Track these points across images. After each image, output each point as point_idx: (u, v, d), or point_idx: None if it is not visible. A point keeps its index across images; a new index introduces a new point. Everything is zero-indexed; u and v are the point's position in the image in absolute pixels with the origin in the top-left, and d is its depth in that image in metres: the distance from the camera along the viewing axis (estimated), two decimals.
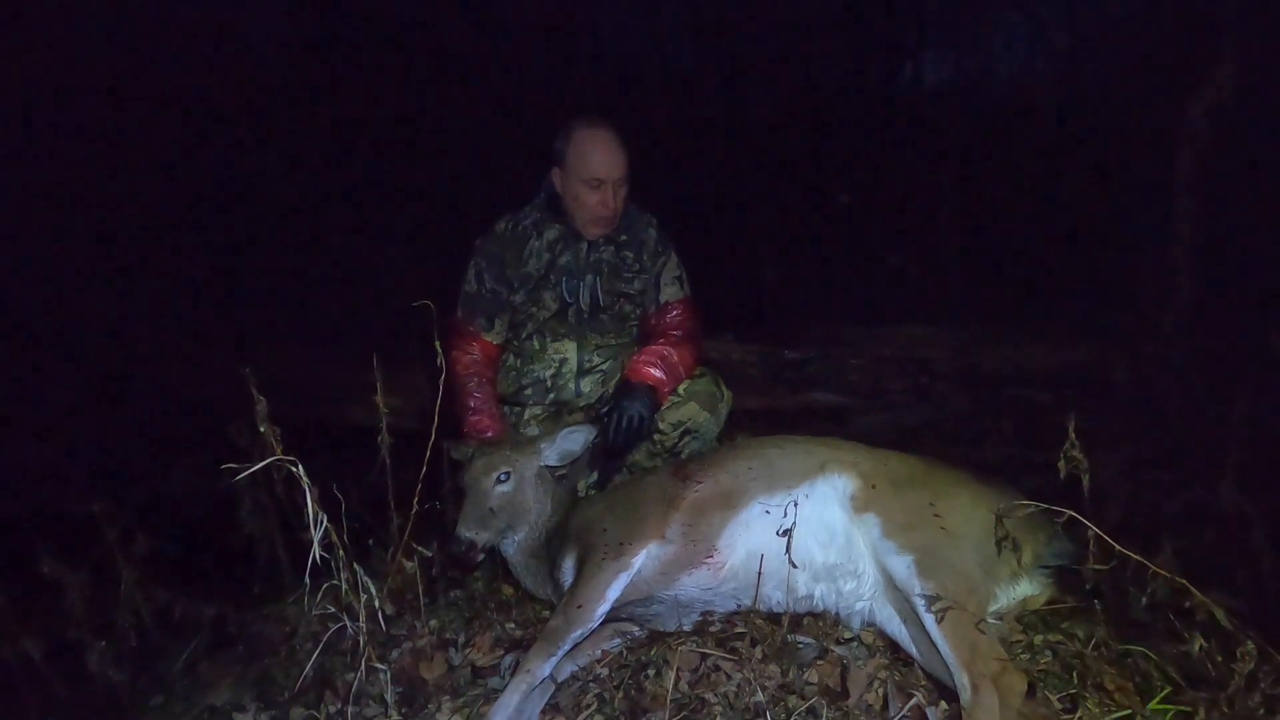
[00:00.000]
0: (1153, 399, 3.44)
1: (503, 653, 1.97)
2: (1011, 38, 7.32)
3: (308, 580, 1.67)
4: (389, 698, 1.74)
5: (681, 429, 2.44)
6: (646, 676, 1.75)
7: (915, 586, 1.61)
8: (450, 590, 2.35)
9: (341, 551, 1.66)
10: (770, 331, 4.46)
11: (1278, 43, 3.76)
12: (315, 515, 1.59)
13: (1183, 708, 1.54)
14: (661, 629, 1.92)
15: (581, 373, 2.54)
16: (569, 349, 2.53)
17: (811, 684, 1.68)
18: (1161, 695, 1.59)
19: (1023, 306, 5.04)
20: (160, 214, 6.09)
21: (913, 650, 1.72)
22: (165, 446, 3.91)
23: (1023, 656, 1.72)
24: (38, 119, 5.67)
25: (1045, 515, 1.58)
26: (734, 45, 8.05)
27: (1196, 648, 1.50)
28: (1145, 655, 1.71)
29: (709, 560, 1.87)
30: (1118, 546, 1.48)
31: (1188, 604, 1.47)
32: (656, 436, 2.43)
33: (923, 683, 1.67)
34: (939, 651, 1.55)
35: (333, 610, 1.75)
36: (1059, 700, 1.58)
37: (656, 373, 2.34)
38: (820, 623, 1.87)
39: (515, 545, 2.10)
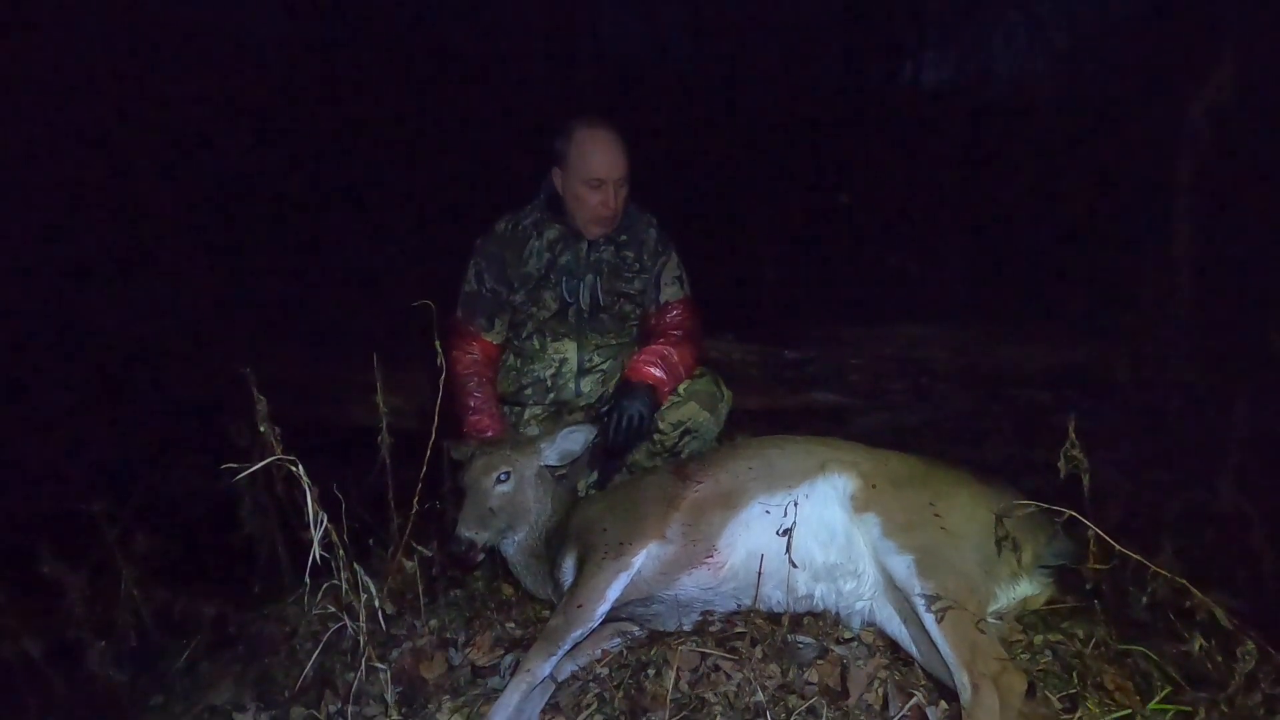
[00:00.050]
0: (1153, 399, 3.43)
1: (503, 652, 1.97)
2: (1011, 38, 7.32)
3: (308, 580, 1.67)
4: (389, 697, 1.74)
5: (681, 429, 2.44)
6: (646, 676, 1.75)
7: (915, 586, 1.61)
8: (450, 590, 2.35)
9: (341, 551, 1.66)
10: (770, 331, 4.46)
11: (1278, 43, 3.76)
12: (315, 515, 1.59)
13: (1183, 708, 1.54)
14: (661, 629, 1.92)
15: (581, 372, 2.54)
16: (569, 349, 2.53)
17: (811, 684, 1.68)
18: (1161, 695, 1.59)
19: (1023, 306, 5.04)
20: (160, 214, 6.08)
21: (913, 650, 1.73)
22: (165, 446, 3.90)
23: (1023, 656, 1.73)
24: (38, 119, 5.66)
25: (1045, 515, 1.59)
26: (734, 45, 8.05)
27: (1196, 648, 1.50)
28: (1145, 655, 1.71)
29: (709, 560, 1.87)
30: (1118, 546, 1.48)
31: (1188, 604, 1.47)
32: (656, 436, 2.43)
33: (923, 682, 1.67)
34: (939, 651, 1.55)
35: (333, 610, 1.75)
36: (1059, 700, 1.58)
37: (657, 372, 2.34)
38: (820, 622, 1.87)
39: (515, 545, 2.10)
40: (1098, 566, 1.53)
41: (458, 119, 7.06)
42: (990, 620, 1.63)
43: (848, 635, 1.83)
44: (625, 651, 1.88)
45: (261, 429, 1.72)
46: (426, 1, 7.44)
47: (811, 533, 1.80)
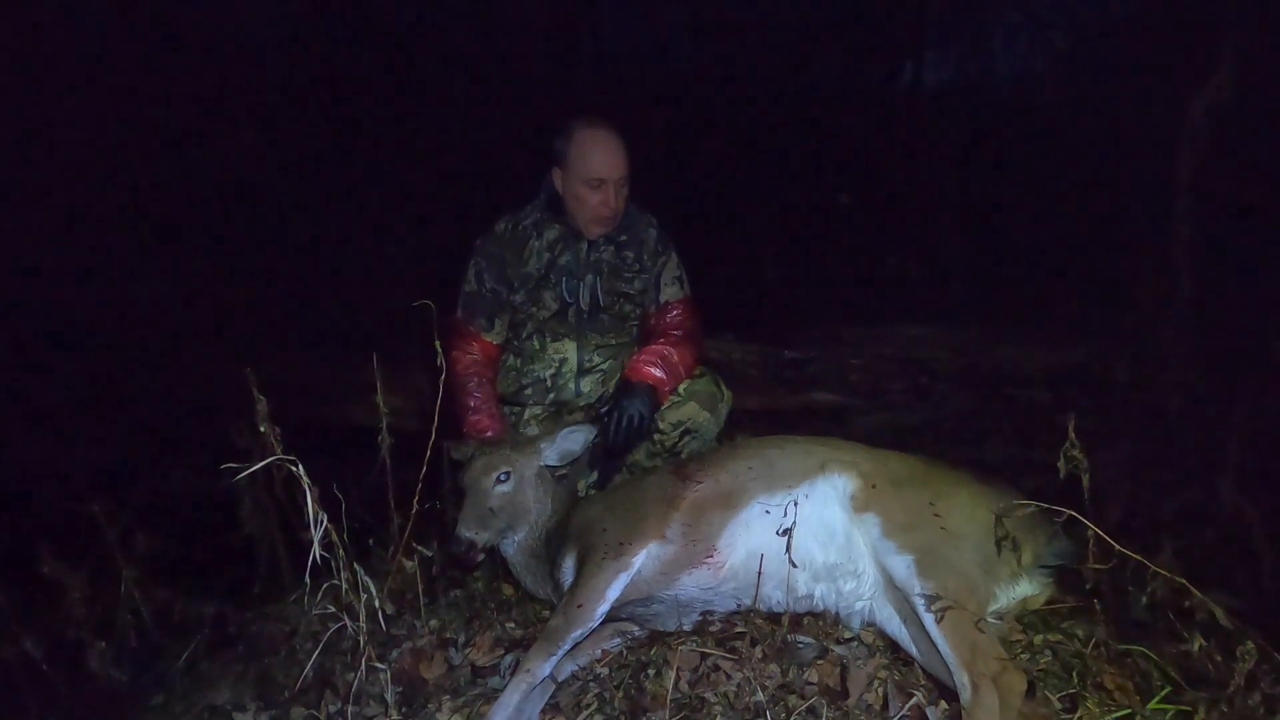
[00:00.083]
0: (1153, 399, 3.43)
1: (503, 652, 1.97)
2: (1011, 38, 7.32)
3: (308, 580, 1.67)
4: (389, 697, 1.74)
5: (681, 429, 2.44)
6: (647, 676, 1.75)
7: (915, 586, 1.61)
8: (450, 590, 2.35)
9: (341, 551, 1.66)
10: (770, 331, 4.46)
11: (1278, 43, 3.76)
12: (315, 515, 1.59)
13: (1183, 707, 1.54)
14: (661, 629, 1.92)
15: (581, 372, 2.54)
16: (569, 349, 2.53)
17: (811, 684, 1.68)
18: (1161, 695, 1.59)
19: (1023, 306, 5.04)
20: (160, 214, 6.08)
21: (913, 650, 1.73)
22: (165, 446, 3.90)
23: (1023, 656, 1.73)
24: (38, 119, 5.66)
25: (1045, 515, 1.59)
26: (734, 45, 8.05)
27: (1196, 647, 1.50)
28: (1145, 655, 1.72)
29: (709, 560, 1.87)
30: (1118, 546, 1.48)
31: (1188, 604, 1.47)
32: (656, 436, 2.43)
33: (923, 682, 1.67)
34: (939, 651, 1.55)
35: (333, 610, 1.75)
36: (1059, 700, 1.58)
37: (657, 372, 2.34)
38: (820, 622, 1.87)
39: (515, 545, 2.10)
40: (1097, 566, 1.53)
41: (458, 119, 7.06)
42: (990, 620, 1.63)
43: (848, 635, 1.83)
44: (625, 651, 1.88)
45: (262, 429, 1.73)
46: (426, 1, 7.45)
47: (811, 533, 1.80)
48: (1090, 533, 1.50)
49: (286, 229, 6.46)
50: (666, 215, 2.63)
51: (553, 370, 2.54)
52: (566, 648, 1.75)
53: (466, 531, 1.98)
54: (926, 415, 4.05)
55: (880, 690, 1.65)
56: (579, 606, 1.76)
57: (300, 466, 1.58)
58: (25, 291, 5.11)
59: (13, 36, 5.41)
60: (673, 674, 1.69)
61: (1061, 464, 1.58)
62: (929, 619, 1.56)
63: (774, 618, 1.86)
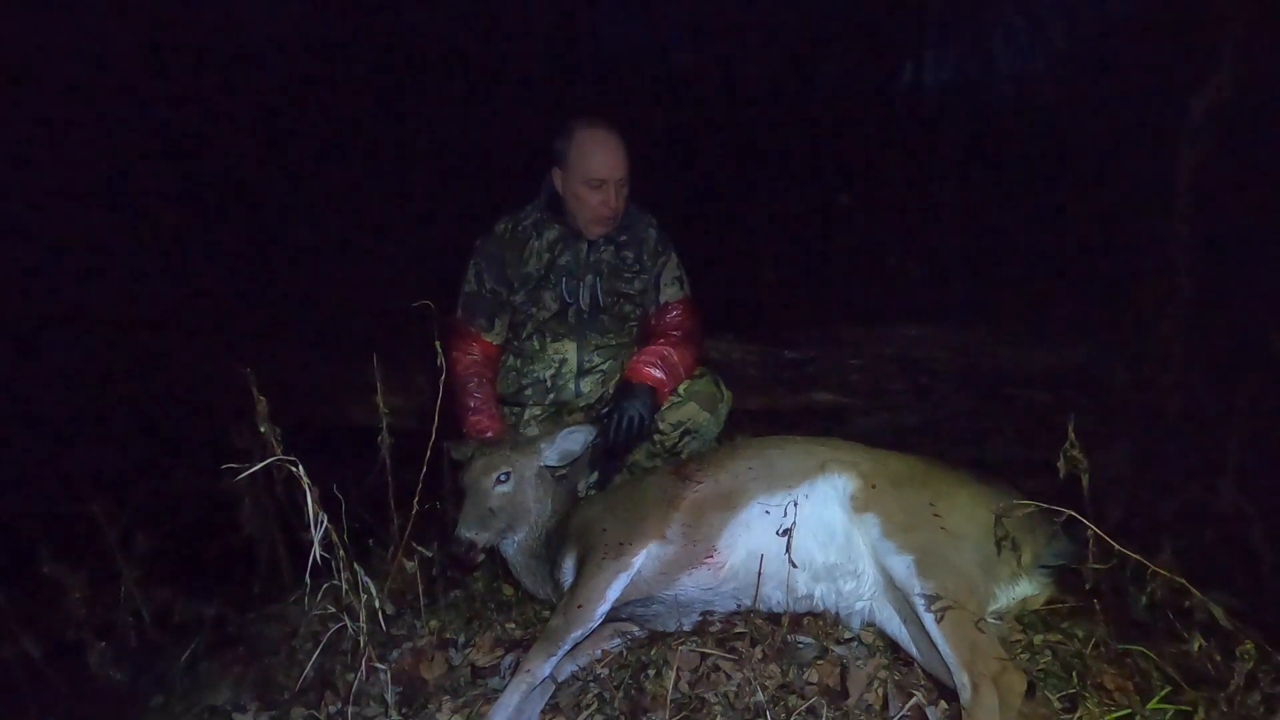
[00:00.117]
0: (1153, 399, 3.43)
1: (503, 653, 1.97)
2: (1011, 38, 7.32)
3: (308, 580, 1.67)
4: (389, 698, 1.74)
5: (681, 429, 2.44)
6: (647, 676, 1.75)
7: (915, 586, 1.61)
8: (450, 590, 2.35)
9: (342, 551, 1.66)
10: (770, 331, 4.46)
11: (1278, 43, 3.76)
12: (315, 515, 1.59)
13: (1183, 707, 1.54)
14: (661, 629, 1.92)
15: (581, 373, 2.54)
16: (569, 349, 2.53)
17: (811, 684, 1.68)
18: (1161, 695, 1.59)
19: (1023, 306, 5.04)
20: (161, 214, 6.09)
21: (913, 650, 1.73)
22: (165, 446, 3.91)
23: (1023, 656, 1.73)
24: (38, 119, 5.66)
25: (1045, 515, 1.58)
26: (734, 45, 8.05)
27: (1196, 648, 1.50)
28: (1145, 655, 1.71)
29: (709, 560, 1.87)
30: (1118, 546, 1.48)
31: (1188, 604, 1.47)
32: (656, 436, 2.43)
33: (923, 682, 1.67)
34: (939, 651, 1.55)
35: (333, 610, 1.75)
36: (1059, 700, 1.58)
37: (656, 373, 2.34)
38: (820, 622, 1.87)
39: (515, 545, 2.10)
40: (1097, 566, 1.53)
41: (458, 119, 7.06)
42: (990, 620, 1.63)
43: (847, 635, 1.83)
44: (625, 652, 1.88)
45: (262, 429, 1.73)
46: (427, 2, 7.45)
47: (811, 533, 1.80)
48: (1090, 533, 1.50)
49: (287, 229, 6.47)
50: (666, 215, 2.64)
51: (553, 370, 2.54)
52: (566, 648, 1.75)
53: (466, 532, 1.98)
54: (926, 415, 4.05)
55: (880, 690, 1.65)
56: (579, 607, 1.77)
57: (300, 467, 1.58)
58: (25, 291, 5.11)
59: (13, 36, 5.41)
60: (673, 674, 1.70)
61: (1061, 464, 1.58)
62: (929, 619, 1.56)
63: (774, 618, 1.86)
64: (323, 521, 1.60)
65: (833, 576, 1.82)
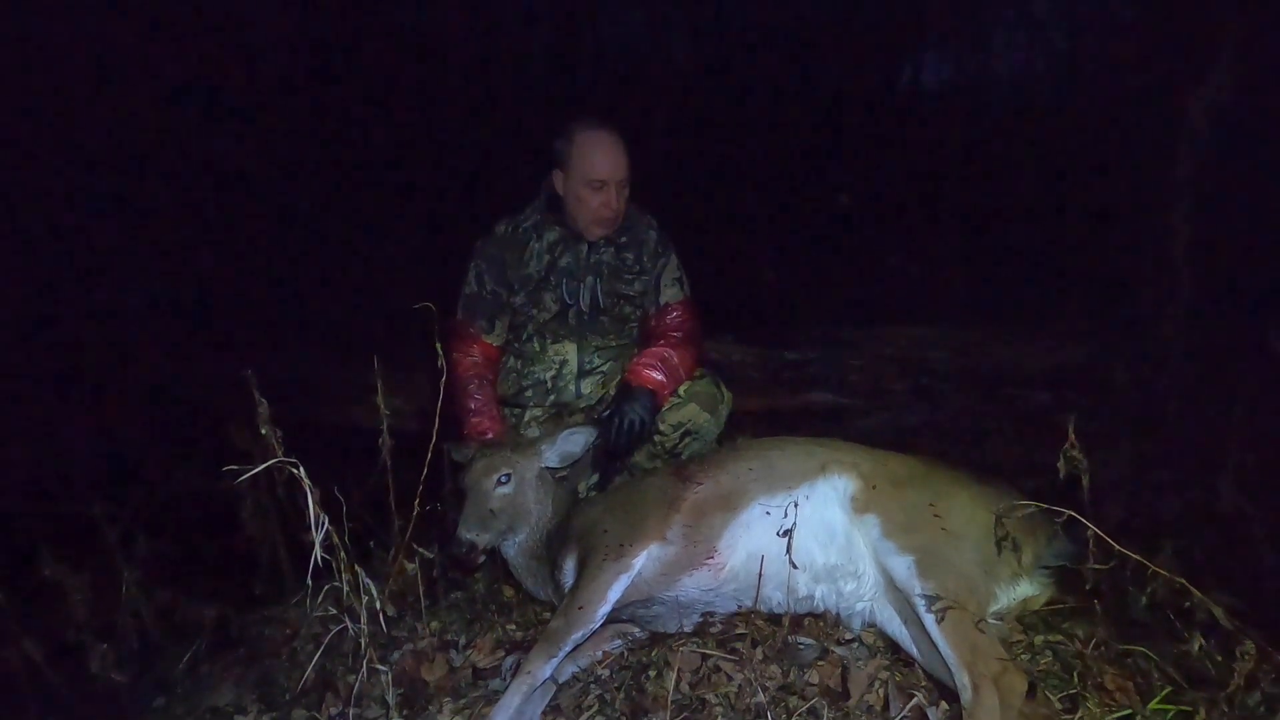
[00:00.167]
0: (1153, 399, 3.43)
1: (504, 654, 1.97)
2: (1011, 38, 7.33)
3: (309, 582, 1.68)
4: (390, 699, 1.74)
5: (682, 430, 2.44)
6: (647, 677, 1.75)
7: (915, 587, 1.61)
8: (451, 592, 2.35)
9: (343, 553, 1.66)
10: (770, 332, 4.46)
11: (1278, 43, 3.76)
12: (316, 517, 1.59)
13: (1183, 707, 1.54)
14: (662, 630, 1.92)
15: (582, 374, 2.54)
16: (569, 351, 2.53)
17: (812, 685, 1.68)
18: (1161, 695, 1.59)
19: (1023, 306, 5.04)
20: (161, 214, 6.09)
21: (913, 651, 1.73)
22: (166, 447, 3.91)
23: (1023, 656, 1.73)
24: (38, 118, 5.67)
25: (1045, 515, 1.58)
26: (734, 45, 8.05)
27: (1196, 648, 1.50)
28: (1145, 655, 1.71)
29: (709, 561, 1.87)
30: (1118, 546, 1.48)
31: (1188, 604, 1.47)
32: (657, 438, 2.43)
33: (923, 683, 1.67)
34: (939, 652, 1.55)
35: (334, 612, 1.75)
36: (1059, 700, 1.58)
37: (656, 375, 2.34)
38: (821, 623, 1.87)
39: (516, 547, 2.10)
40: (1098, 567, 1.53)
41: (458, 119, 7.07)
42: (990, 621, 1.63)
43: (848, 636, 1.83)
44: (626, 653, 1.88)
45: (263, 431, 1.73)
46: (427, 2, 7.45)
47: (812, 534, 1.80)
48: (1090, 533, 1.50)
49: (288, 230, 6.47)
50: (666, 216, 2.63)
51: (553, 372, 2.54)
52: (567, 649, 1.75)
53: (467, 533, 1.98)
54: (926, 416, 4.05)
55: (881, 691, 1.65)
56: (580, 608, 1.77)
57: (301, 468, 1.58)
58: (25, 291, 5.12)
59: (13, 35, 5.41)
60: (673, 675, 1.69)
61: (1061, 464, 1.58)
62: (929, 619, 1.56)
63: (775, 619, 1.86)
64: (324, 523, 1.60)
65: (833, 577, 1.82)
